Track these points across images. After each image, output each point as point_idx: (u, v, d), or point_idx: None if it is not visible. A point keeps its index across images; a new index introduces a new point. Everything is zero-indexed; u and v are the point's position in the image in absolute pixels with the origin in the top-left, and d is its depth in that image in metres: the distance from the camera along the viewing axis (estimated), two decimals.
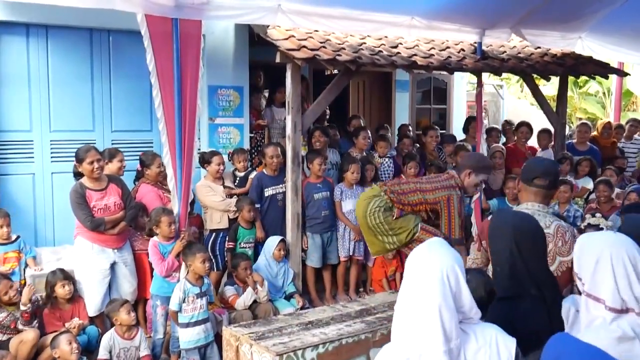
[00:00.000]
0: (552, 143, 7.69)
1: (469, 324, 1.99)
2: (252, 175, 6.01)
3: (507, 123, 8.57)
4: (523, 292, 2.42)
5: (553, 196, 3.07)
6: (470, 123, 7.62)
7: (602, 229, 5.01)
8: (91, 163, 4.75)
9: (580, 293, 2.29)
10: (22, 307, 4.39)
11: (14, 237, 5.05)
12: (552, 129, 7.75)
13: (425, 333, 1.89)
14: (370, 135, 6.83)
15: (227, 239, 5.68)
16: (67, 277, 4.71)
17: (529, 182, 3.05)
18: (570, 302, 2.42)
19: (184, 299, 4.48)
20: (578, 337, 2.03)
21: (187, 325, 4.48)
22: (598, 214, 5.56)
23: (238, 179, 6.08)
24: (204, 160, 5.71)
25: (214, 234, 5.73)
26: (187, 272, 4.62)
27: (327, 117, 7.64)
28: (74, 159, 4.88)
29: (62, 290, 4.64)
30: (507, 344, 1.97)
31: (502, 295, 2.51)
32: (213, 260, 5.51)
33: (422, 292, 1.91)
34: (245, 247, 5.68)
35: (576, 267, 2.24)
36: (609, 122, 8.65)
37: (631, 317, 2.04)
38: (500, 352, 1.93)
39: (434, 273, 1.92)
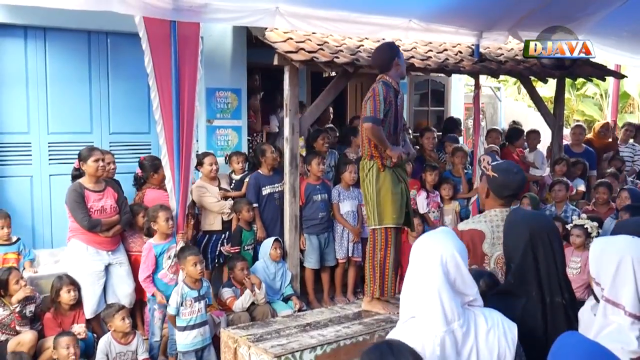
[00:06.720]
0: (549, 144, 7.73)
1: (476, 306, 2.10)
2: (248, 179, 6.01)
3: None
4: (523, 292, 2.39)
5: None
6: (456, 123, 7.71)
7: (586, 228, 5.07)
8: (97, 161, 4.82)
9: (595, 297, 2.26)
10: (11, 307, 4.38)
11: (14, 238, 5.05)
12: (540, 130, 7.79)
13: (427, 315, 2.02)
14: None
15: (230, 244, 5.68)
16: (73, 282, 4.70)
17: (501, 197, 3.18)
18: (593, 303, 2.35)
19: (182, 303, 4.47)
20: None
21: (185, 328, 4.48)
22: (584, 215, 5.61)
23: (234, 181, 6.07)
24: (197, 162, 5.66)
25: (207, 235, 5.73)
26: (185, 276, 4.62)
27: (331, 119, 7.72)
28: (71, 161, 4.87)
29: (67, 295, 4.62)
30: (511, 327, 2.12)
31: (503, 288, 2.52)
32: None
33: (422, 276, 2.05)
34: (249, 250, 5.71)
35: (594, 271, 2.22)
36: (607, 123, 8.68)
37: None
38: (506, 334, 2.09)
39: (433, 259, 2.05)
